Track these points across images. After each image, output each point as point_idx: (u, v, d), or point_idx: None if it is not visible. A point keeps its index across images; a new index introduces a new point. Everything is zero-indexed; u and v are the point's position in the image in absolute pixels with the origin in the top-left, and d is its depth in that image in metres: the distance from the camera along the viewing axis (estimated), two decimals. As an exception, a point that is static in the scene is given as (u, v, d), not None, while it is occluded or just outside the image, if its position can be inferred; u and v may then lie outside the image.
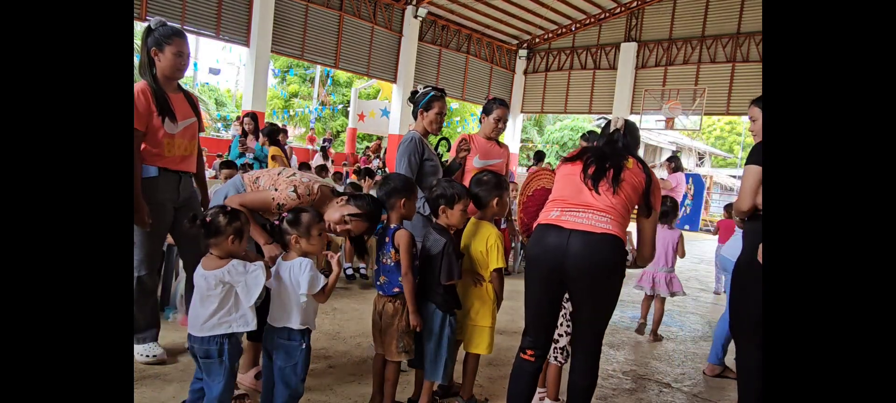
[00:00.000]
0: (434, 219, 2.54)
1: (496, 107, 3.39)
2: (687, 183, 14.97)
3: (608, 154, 2.19)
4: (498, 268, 2.49)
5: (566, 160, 2.29)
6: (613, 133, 2.30)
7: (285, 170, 2.55)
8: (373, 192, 6.06)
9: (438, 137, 3.35)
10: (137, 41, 14.47)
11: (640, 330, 4.38)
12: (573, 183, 2.16)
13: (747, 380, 2.43)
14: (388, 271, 2.38)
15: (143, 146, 2.68)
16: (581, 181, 2.14)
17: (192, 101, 2.93)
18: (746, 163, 2.45)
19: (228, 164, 5.50)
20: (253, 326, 2.06)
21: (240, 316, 2.04)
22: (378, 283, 2.43)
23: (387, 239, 2.38)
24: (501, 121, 3.41)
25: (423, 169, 3.03)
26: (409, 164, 2.97)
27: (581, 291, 2.12)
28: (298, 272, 2.09)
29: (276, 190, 2.41)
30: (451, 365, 2.51)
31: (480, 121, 3.51)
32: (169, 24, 2.78)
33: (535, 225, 2.21)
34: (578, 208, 2.09)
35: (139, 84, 2.69)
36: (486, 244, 2.50)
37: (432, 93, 3.12)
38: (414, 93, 3.19)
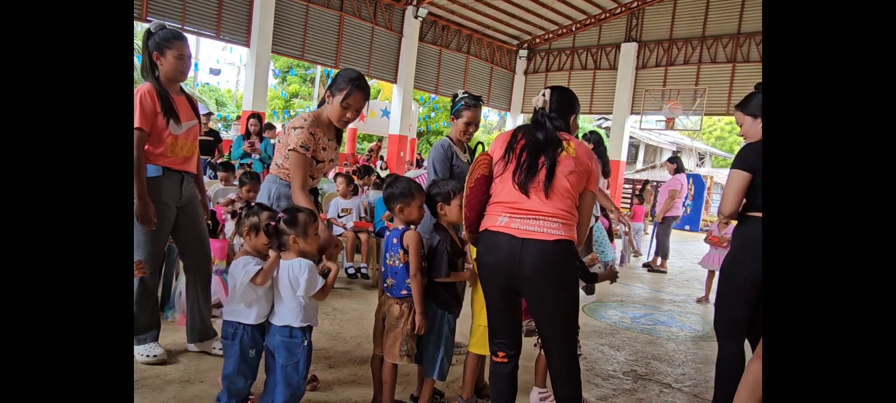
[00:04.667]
0: (434, 219, 2.55)
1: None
2: (687, 183, 14.98)
3: (542, 144, 2.07)
4: None
5: (505, 148, 2.12)
6: (537, 113, 2.16)
7: (282, 141, 2.59)
8: (371, 191, 6.06)
9: (475, 142, 3.35)
10: (137, 42, 14.50)
11: (701, 301, 5.86)
12: (515, 185, 2.06)
13: (724, 380, 2.46)
14: (395, 273, 2.38)
15: (146, 146, 2.69)
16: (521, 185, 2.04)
17: (192, 104, 2.96)
18: (732, 167, 2.43)
19: (227, 166, 5.49)
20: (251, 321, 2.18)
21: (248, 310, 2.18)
22: (385, 285, 2.43)
23: (395, 241, 2.37)
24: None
25: (452, 174, 3.04)
26: (437, 171, 3.02)
27: (539, 301, 2.08)
28: (297, 272, 2.10)
29: (295, 146, 2.47)
30: (448, 364, 2.51)
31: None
32: (168, 26, 2.80)
33: (482, 229, 2.13)
34: (528, 215, 2.02)
35: (145, 85, 2.72)
36: None
37: (462, 102, 3.10)
38: (455, 96, 3.18)
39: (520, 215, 2.03)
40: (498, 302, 2.17)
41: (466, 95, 3.13)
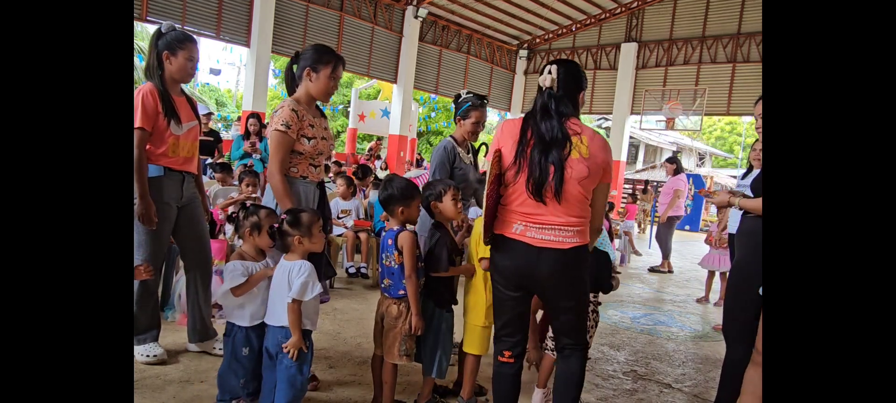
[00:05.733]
0: (432, 218, 2.55)
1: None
2: (687, 183, 14.98)
3: (549, 143, 1.96)
4: (481, 258, 2.47)
5: (516, 149, 2.01)
6: (543, 95, 2.02)
7: (270, 124, 2.57)
8: (371, 191, 6.06)
9: (479, 143, 3.31)
10: (139, 42, 14.48)
11: (701, 301, 5.90)
12: (529, 195, 2.00)
13: (728, 380, 2.45)
14: (391, 273, 2.38)
15: (147, 146, 2.70)
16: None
17: (192, 105, 2.97)
18: None
19: (225, 167, 5.47)
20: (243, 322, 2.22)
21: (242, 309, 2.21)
22: (382, 285, 2.43)
23: (390, 242, 2.37)
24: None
25: (453, 176, 3.03)
26: (438, 173, 2.99)
27: (554, 302, 2.11)
28: (296, 274, 2.10)
29: (276, 126, 2.46)
30: (447, 362, 2.51)
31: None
32: (179, 28, 2.82)
33: (497, 232, 2.09)
34: (543, 224, 1.99)
35: (146, 85, 2.72)
36: (476, 235, 2.51)
37: (470, 102, 3.07)
38: (457, 96, 3.15)
39: (535, 224, 2.00)
40: (510, 303, 2.15)
41: (472, 95, 3.08)
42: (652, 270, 7.83)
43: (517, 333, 2.20)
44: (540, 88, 2.05)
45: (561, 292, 2.07)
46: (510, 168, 2.02)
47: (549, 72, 2.02)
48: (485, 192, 2.08)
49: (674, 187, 7.57)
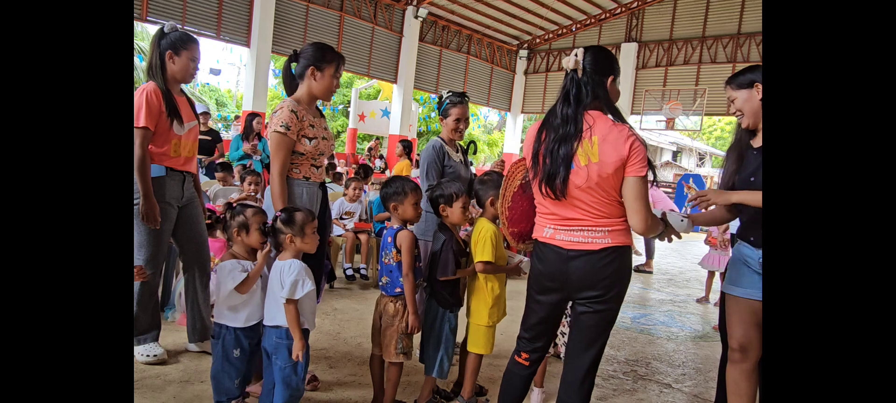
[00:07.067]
0: (438, 220, 2.56)
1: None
2: (687, 182, 14.97)
3: (563, 135, 1.87)
4: (480, 261, 2.48)
5: (533, 154, 1.98)
6: (567, 78, 1.91)
7: (270, 126, 2.56)
8: (371, 192, 6.06)
9: (468, 140, 3.31)
10: (140, 42, 14.46)
11: (701, 301, 5.87)
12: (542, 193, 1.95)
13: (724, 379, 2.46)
14: (389, 271, 2.39)
15: (149, 146, 2.70)
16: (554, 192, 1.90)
17: (191, 104, 2.98)
18: None
19: (225, 166, 5.47)
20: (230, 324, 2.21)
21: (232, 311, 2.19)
22: (381, 283, 2.44)
23: (390, 240, 2.38)
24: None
25: (444, 175, 3.02)
26: (429, 173, 2.99)
27: (583, 307, 1.99)
28: (287, 274, 2.09)
29: (275, 127, 2.44)
30: (448, 363, 2.51)
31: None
32: (181, 28, 2.83)
33: (534, 237, 2.06)
34: (572, 225, 1.91)
35: (149, 84, 2.72)
36: (477, 236, 2.51)
37: (448, 101, 3.07)
38: (440, 97, 3.16)
39: (564, 226, 1.93)
40: (538, 307, 2.08)
41: (451, 93, 3.12)
42: (635, 270, 7.82)
43: (540, 339, 2.13)
44: (566, 73, 1.94)
45: (590, 294, 1.94)
46: (530, 170, 2.00)
47: (576, 55, 1.90)
48: (502, 209, 2.06)
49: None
